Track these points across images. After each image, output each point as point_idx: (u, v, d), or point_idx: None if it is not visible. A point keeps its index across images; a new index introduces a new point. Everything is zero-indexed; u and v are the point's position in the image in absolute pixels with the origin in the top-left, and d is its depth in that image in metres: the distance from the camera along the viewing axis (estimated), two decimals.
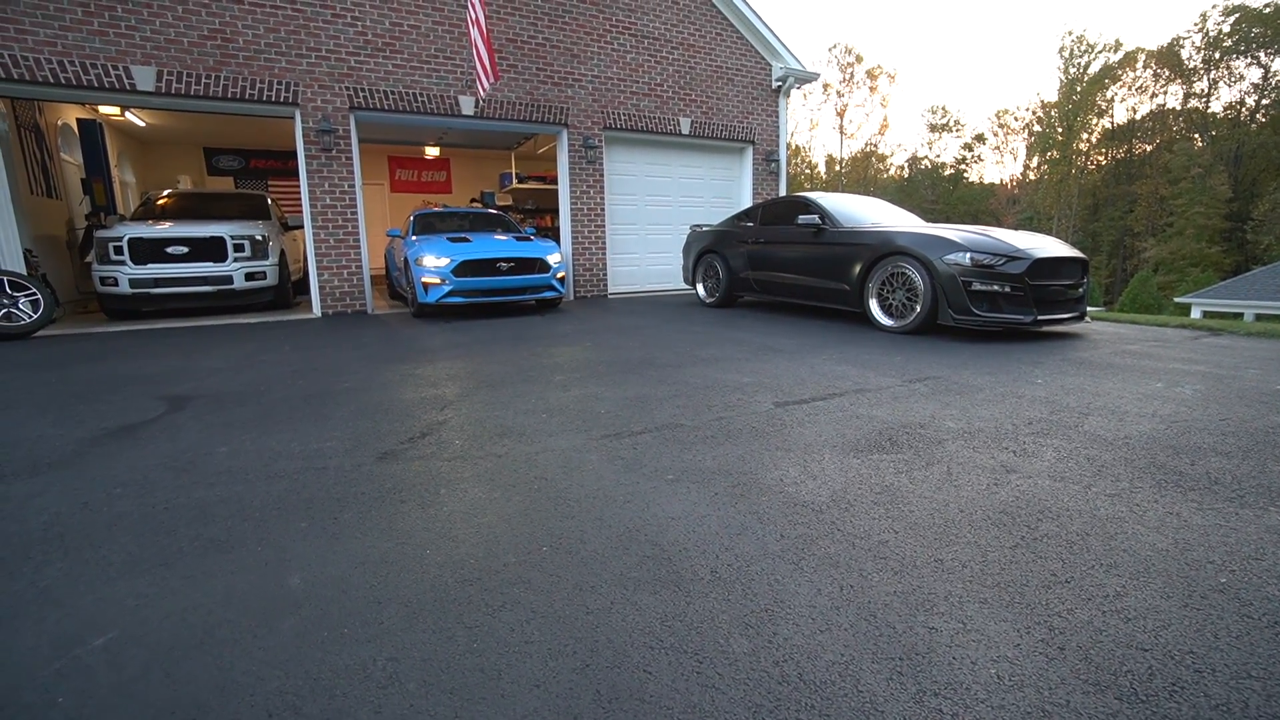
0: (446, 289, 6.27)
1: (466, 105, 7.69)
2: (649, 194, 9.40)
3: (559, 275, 6.86)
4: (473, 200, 13.14)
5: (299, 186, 7.20)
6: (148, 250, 6.46)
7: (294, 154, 7.23)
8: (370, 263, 7.89)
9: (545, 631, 1.25)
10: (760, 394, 3.12)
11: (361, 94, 7.14)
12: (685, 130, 9.18)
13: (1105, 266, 39.95)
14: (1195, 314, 19.44)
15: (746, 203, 9.93)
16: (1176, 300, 21.91)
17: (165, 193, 8.00)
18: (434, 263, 6.25)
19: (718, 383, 3.39)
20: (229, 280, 6.80)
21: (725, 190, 10.07)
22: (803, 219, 5.92)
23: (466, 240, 6.65)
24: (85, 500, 1.95)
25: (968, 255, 4.57)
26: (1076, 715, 1.00)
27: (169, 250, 6.53)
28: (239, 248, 6.83)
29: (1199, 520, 1.66)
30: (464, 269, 6.29)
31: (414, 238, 7.02)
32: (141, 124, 9.49)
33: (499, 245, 6.63)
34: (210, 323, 6.61)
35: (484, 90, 6.77)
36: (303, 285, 8.40)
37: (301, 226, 7.76)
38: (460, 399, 3.18)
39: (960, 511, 1.74)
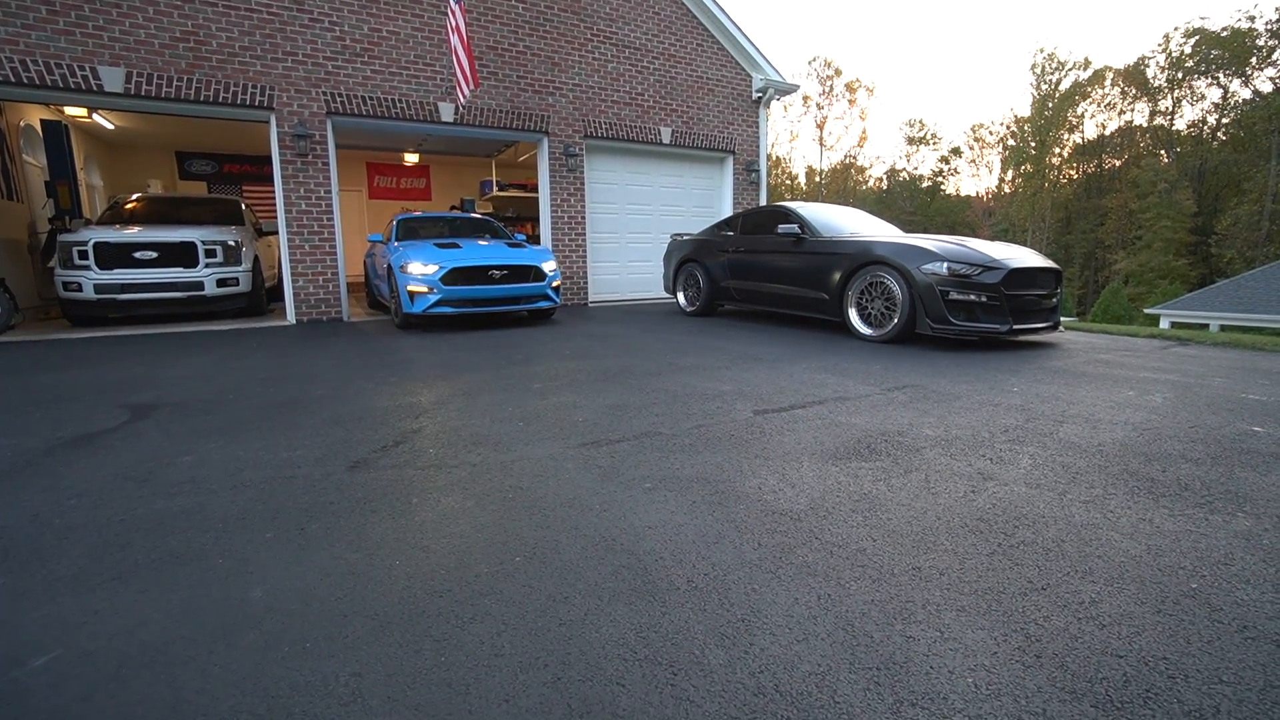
0: (434, 298, 5.84)
1: (446, 112, 7.65)
2: (630, 203, 9.42)
3: (554, 284, 6.48)
4: (453, 207, 13.06)
5: (274, 192, 7.09)
6: (114, 255, 6.29)
7: (269, 159, 7.13)
8: (347, 270, 7.78)
9: (516, 644, 1.21)
10: (740, 402, 3.12)
11: (339, 99, 7.07)
12: (666, 140, 9.23)
13: (1078, 278, 40.95)
14: (1164, 325, 19.99)
15: (727, 212, 10.00)
16: (1146, 311, 22.52)
17: (134, 197, 7.82)
18: (421, 270, 5.83)
19: (697, 391, 3.38)
20: (200, 286, 6.65)
21: (706, 200, 10.14)
22: (783, 228, 5.97)
23: (456, 246, 6.22)
24: (35, 512, 1.87)
25: (945, 265, 4.64)
26: None
27: (137, 255, 6.37)
28: (211, 253, 6.69)
29: (1170, 526, 1.68)
30: (453, 277, 5.88)
31: (397, 243, 6.61)
32: (110, 126, 9.28)
33: (491, 252, 6.26)
34: (180, 330, 6.44)
35: (464, 97, 6.74)
36: (277, 292, 8.25)
37: (276, 232, 7.64)
38: (435, 407, 3.13)
39: (938, 519, 1.74)
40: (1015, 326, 4.68)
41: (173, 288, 6.54)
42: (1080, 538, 1.62)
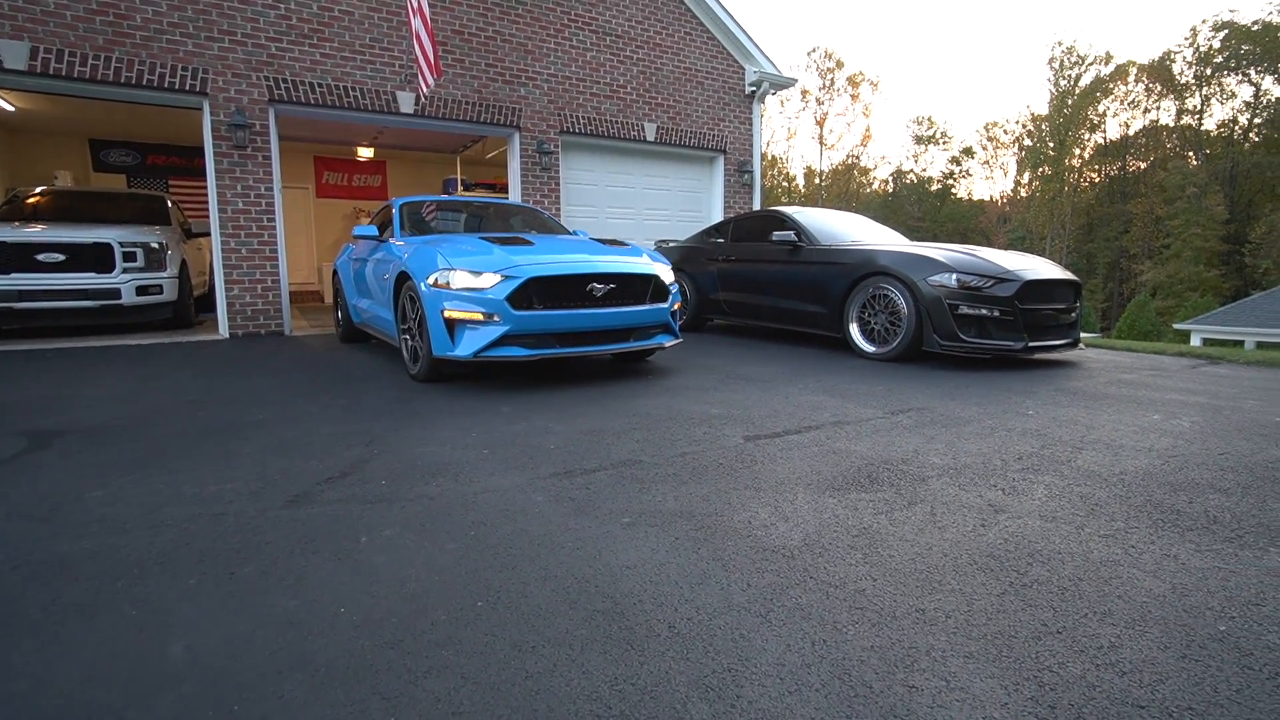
0: (497, 331, 3.86)
1: (405, 102, 7.70)
2: (610, 205, 9.52)
3: (674, 306, 4.67)
4: None
5: (206, 188, 7.04)
6: (13, 256, 6.16)
7: (201, 150, 7.10)
8: (290, 277, 7.73)
9: (476, 700, 1.21)
10: (729, 426, 3.15)
11: (283, 85, 7.08)
12: (650, 136, 9.37)
13: (1101, 290, 42.05)
14: (1195, 341, 20.57)
15: (717, 217, 10.15)
16: (1176, 326, 23.18)
17: (38, 190, 7.71)
18: (471, 282, 3.89)
19: (682, 414, 3.41)
20: (116, 294, 6.55)
21: (694, 203, 10.28)
22: (777, 235, 6.07)
23: (523, 242, 4.45)
24: None
25: (954, 276, 4.76)
26: None
27: (40, 258, 6.25)
28: (129, 256, 6.60)
29: (1197, 563, 1.74)
30: (528, 294, 3.91)
31: (407, 239, 4.88)
32: (10, 108, 9.13)
33: (579, 249, 4.50)
34: (92, 344, 6.33)
35: (426, 86, 6.80)
36: (208, 302, 8.15)
37: (208, 234, 7.57)
38: (389, 433, 3.11)
39: (944, 556, 1.78)
40: (1031, 344, 4.79)
41: (84, 295, 6.43)
42: (1099, 575, 1.66)
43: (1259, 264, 34.09)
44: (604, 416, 3.37)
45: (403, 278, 4.43)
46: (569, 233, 5.83)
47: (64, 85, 6.38)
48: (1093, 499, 2.19)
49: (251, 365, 5.25)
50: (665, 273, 4.60)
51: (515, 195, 8.63)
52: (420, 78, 6.78)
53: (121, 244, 6.55)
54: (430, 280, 4.03)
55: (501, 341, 3.91)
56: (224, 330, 7.09)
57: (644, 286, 4.41)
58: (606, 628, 1.45)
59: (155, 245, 6.78)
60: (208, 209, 7.09)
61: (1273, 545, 1.84)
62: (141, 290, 6.68)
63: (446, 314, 3.94)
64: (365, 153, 12.14)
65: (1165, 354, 5.97)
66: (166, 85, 6.59)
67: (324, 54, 7.28)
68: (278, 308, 7.32)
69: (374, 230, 5.33)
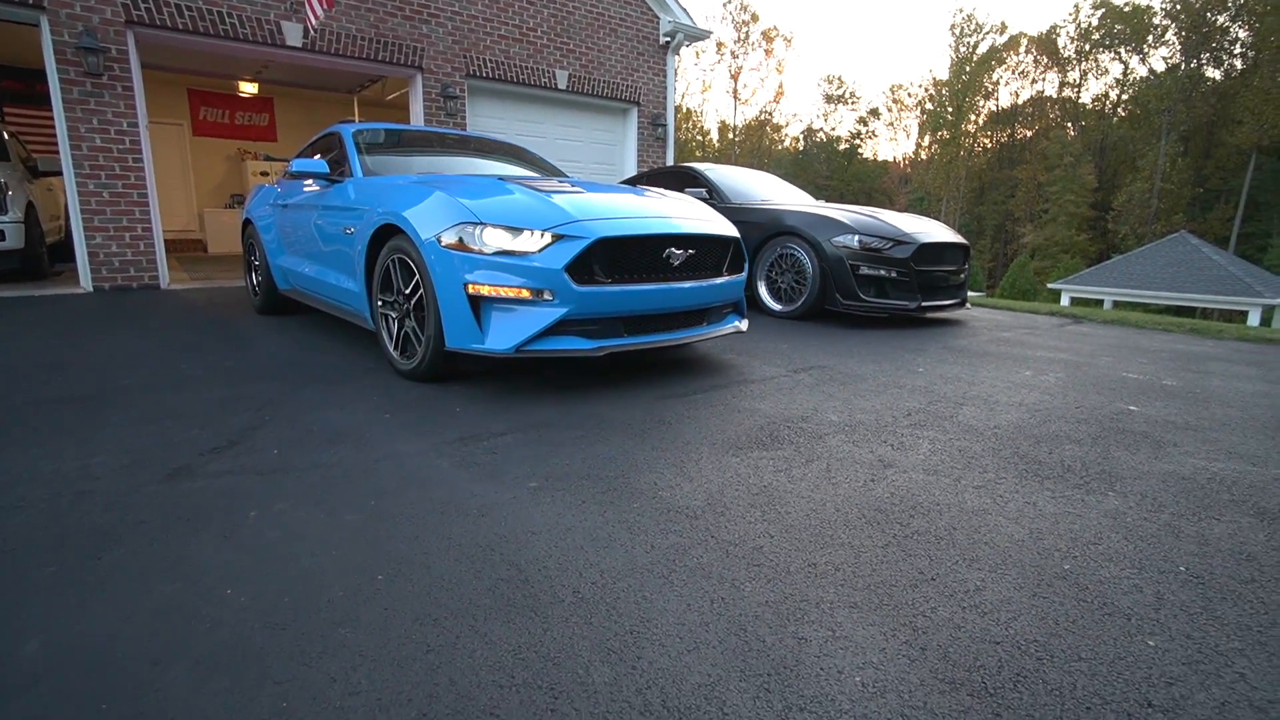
0: (550, 315, 2.81)
1: (292, 34, 7.03)
2: None
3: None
4: None
5: (53, 119, 6.21)
6: None
7: (43, 75, 6.21)
8: (166, 224, 7.03)
9: (375, 679, 1.19)
10: (639, 386, 3.18)
11: (143, 5, 6.28)
12: (562, 85, 9.05)
13: (989, 250, 45.12)
14: (1065, 300, 22.57)
15: (630, 170, 10.02)
16: (1049, 286, 25.31)
17: None
18: (507, 241, 2.82)
19: (592, 372, 3.40)
20: None
21: (607, 155, 10.09)
22: (690, 192, 6.06)
23: (563, 186, 3.45)
24: None
25: (856, 238, 4.95)
26: (933, 716, 1.12)
27: None
28: None
29: (1051, 509, 1.93)
30: (591, 263, 2.88)
31: (369, 180, 3.68)
32: None
33: (639, 199, 3.46)
34: None
35: (315, 19, 6.22)
36: (66, 250, 7.29)
37: (60, 173, 6.71)
38: (283, 397, 2.94)
39: (837, 511, 1.89)
40: (924, 304, 5.09)
41: None
42: (970, 525, 1.82)
43: (1119, 229, 37.57)
44: (511, 376, 3.32)
45: (385, 233, 3.25)
46: (566, 174, 4.80)
47: None
48: (969, 452, 2.38)
49: (121, 322, 4.78)
50: (734, 236, 3.57)
51: None
52: (308, 7, 6.19)
53: None
54: (444, 237, 2.85)
55: (556, 329, 2.84)
56: (86, 283, 6.38)
57: (723, 253, 3.47)
58: (511, 595, 1.45)
59: None
60: (58, 144, 6.26)
61: (1111, 490, 2.08)
62: None
63: (473, 289, 2.80)
64: (249, 88, 11.07)
65: (1039, 313, 6.51)
66: None
67: None
68: (151, 258, 6.66)
69: (321, 166, 3.95)
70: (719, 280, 3.37)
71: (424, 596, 1.45)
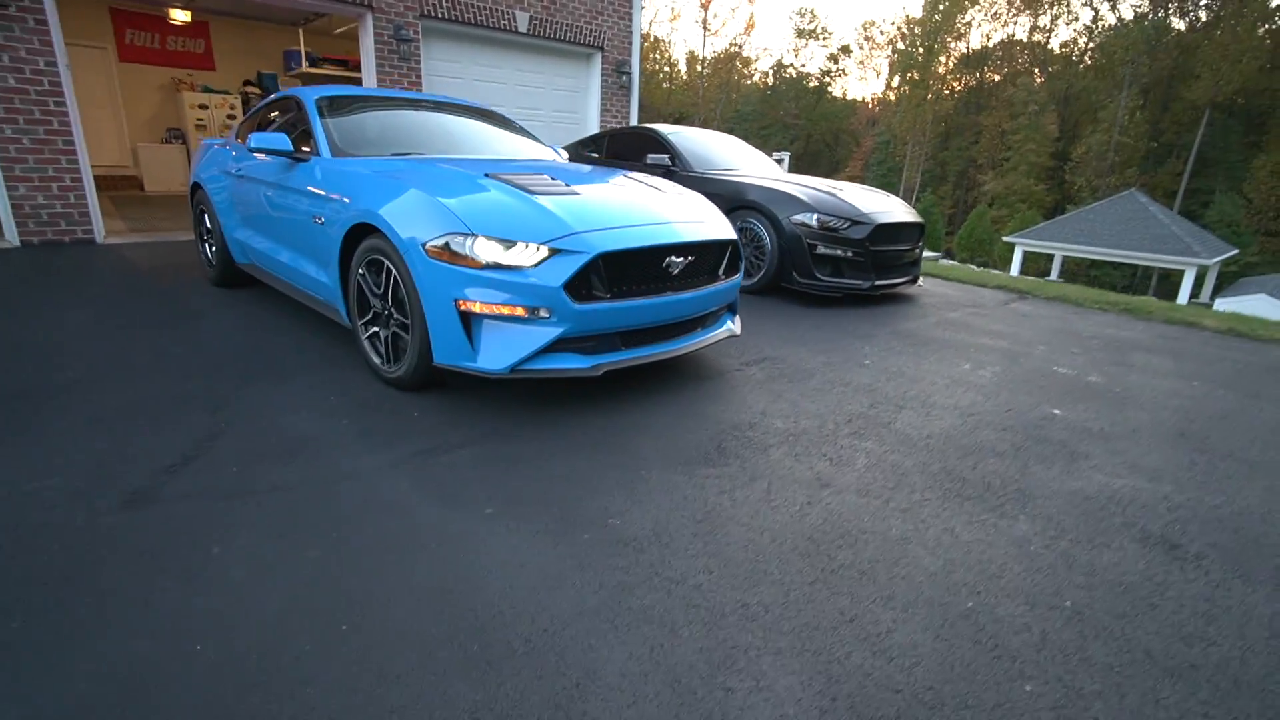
0: (547, 334, 2.71)
1: None
2: (479, 101, 8.84)
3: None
4: (247, 83, 11.40)
5: None
6: None
7: None
8: (95, 159, 6.62)
9: None
10: (593, 385, 3.26)
11: None
12: (523, 27, 8.66)
13: (950, 197, 45.58)
14: (1018, 254, 23.17)
15: (594, 119, 9.77)
16: (1004, 239, 25.87)
17: None
18: (498, 254, 2.66)
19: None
20: None
21: (569, 104, 9.79)
22: (652, 158, 6.03)
23: (550, 181, 3.25)
24: None
25: (815, 216, 5.04)
26: None
27: None
28: None
29: (966, 536, 2.13)
30: (589, 277, 2.75)
31: (340, 162, 3.46)
32: None
33: (633, 194, 3.39)
34: None
35: None
36: None
37: None
38: (237, 394, 2.94)
39: (772, 541, 2.05)
40: (878, 283, 5.25)
41: None
42: (891, 556, 2.00)
43: (1075, 180, 38.26)
44: (466, 379, 3.35)
45: (362, 230, 3.05)
46: (542, 144, 4.65)
47: None
48: (901, 469, 2.57)
49: (55, 290, 4.59)
50: (733, 231, 3.52)
51: (370, 85, 7.77)
52: None
53: None
54: (430, 244, 2.69)
55: (553, 348, 2.75)
56: (12, 237, 6.05)
57: (721, 255, 3.38)
58: (468, 647, 1.57)
59: None
60: None
61: (1023, 513, 2.29)
62: None
63: (463, 305, 2.67)
64: (181, 15, 10.26)
65: (985, 286, 6.75)
66: None
67: None
68: (84, 210, 6.32)
69: (285, 143, 3.61)
70: (718, 285, 3.31)
71: (387, 647, 1.55)
